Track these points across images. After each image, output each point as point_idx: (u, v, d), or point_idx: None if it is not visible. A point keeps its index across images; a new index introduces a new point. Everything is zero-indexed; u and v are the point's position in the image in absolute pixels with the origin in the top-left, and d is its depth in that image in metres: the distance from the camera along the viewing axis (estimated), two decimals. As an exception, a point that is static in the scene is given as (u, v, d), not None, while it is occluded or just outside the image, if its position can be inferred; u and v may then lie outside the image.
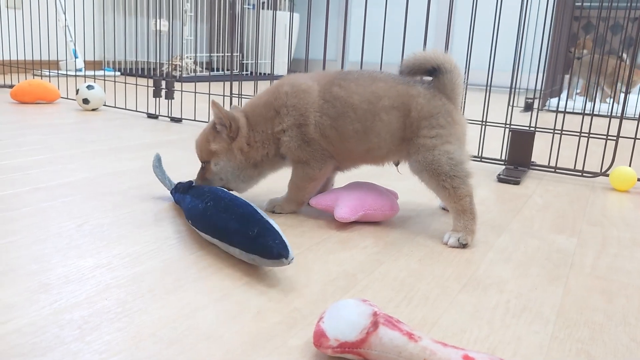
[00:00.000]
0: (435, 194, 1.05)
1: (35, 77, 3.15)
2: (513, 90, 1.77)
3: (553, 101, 3.53)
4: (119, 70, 4.10)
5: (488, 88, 1.71)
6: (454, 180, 1.01)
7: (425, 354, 0.55)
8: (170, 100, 2.32)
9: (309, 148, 1.08)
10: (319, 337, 0.59)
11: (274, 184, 1.32)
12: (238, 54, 2.42)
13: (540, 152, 1.92)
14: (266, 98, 1.10)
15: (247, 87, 3.01)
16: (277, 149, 1.10)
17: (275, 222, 0.89)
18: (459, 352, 0.54)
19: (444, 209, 1.22)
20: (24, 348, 0.60)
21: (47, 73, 3.30)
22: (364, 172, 1.48)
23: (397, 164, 1.14)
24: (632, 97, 3.86)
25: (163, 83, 2.32)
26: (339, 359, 0.61)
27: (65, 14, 3.47)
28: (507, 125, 1.73)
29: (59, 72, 3.36)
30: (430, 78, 1.07)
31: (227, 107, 1.18)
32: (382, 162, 1.12)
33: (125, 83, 2.52)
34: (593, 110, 1.65)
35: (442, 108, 1.03)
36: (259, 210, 0.88)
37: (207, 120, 2.21)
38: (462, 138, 1.05)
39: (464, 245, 0.99)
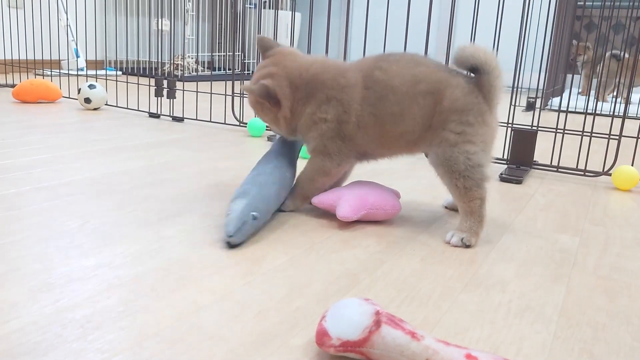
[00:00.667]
0: (448, 190, 1.05)
1: (37, 76, 3.16)
2: (515, 89, 1.77)
3: (555, 100, 3.53)
4: (121, 69, 4.11)
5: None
6: (467, 181, 1.00)
7: (428, 353, 0.55)
8: (172, 100, 2.32)
9: (340, 142, 1.08)
10: (322, 336, 0.59)
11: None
12: (240, 53, 2.42)
13: (542, 151, 1.92)
14: (323, 79, 1.08)
15: (249, 87, 3.01)
16: (303, 128, 1.11)
17: (243, 204, 0.96)
18: (462, 351, 0.54)
19: (447, 207, 1.22)
20: (27, 347, 0.60)
21: (49, 72, 3.31)
22: (366, 171, 1.48)
23: (427, 155, 1.11)
24: (635, 96, 3.85)
25: (165, 82, 2.32)
26: (341, 358, 0.61)
27: (67, 13, 3.47)
28: (510, 125, 1.72)
29: (61, 71, 3.37)
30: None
31: (236, 107, 1.17)
32: (412, 149, 1.09)
33: (127, 82, 2.53)
34: (595, 110, 1.65)
35: (475, 105, 1.01)
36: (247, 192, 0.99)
37: (209, 120, 2.21)
38: (488, 140, 1.02)
39: (467, 246, 0.99)
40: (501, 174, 1.54)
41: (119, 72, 3.94)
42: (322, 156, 1.09)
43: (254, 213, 0.95)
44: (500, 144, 1.97)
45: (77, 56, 3.61)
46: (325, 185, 1.13)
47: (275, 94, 1.09)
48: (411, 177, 1.48)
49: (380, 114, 1.05)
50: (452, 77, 1.03)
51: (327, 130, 1.07)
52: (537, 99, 2.16)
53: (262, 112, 1.14)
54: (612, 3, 1.70)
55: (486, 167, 1.02)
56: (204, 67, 4.61)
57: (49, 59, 3.19)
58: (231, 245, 0.92)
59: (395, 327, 0.57)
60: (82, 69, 3.60)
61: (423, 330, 0.69)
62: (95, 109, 2.39)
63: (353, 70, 1.08)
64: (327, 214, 1.13)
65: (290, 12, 4.80)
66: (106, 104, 2.47)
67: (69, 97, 2.66)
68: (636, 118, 3.10)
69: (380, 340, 0.57)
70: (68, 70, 3.01)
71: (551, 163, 1.66)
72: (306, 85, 1.09)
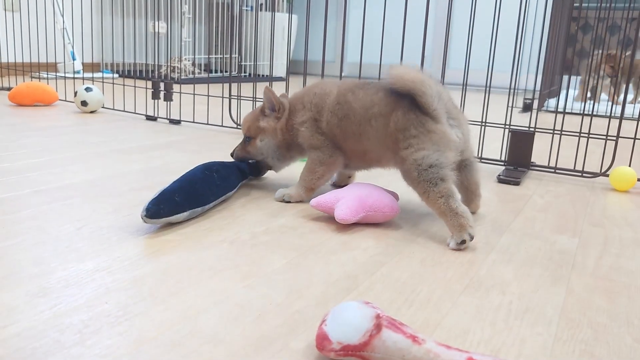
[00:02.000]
0: (421, 200, 1.06)
1: (33, 79, 3.15)
2: (512, 90, 1.77)
3: (551, 102, 3.53)
4: (117, 72, 4.10)
5: (487, 89, 1.71)
6: (423, 185, 1.03)
7: (429, 357, 0.54)
8: (169, 102, 2.31)
9: (321, 137, 1.20)
10: (322, 340, 0.59)
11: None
12: (237, 55, 2.41)
13: (539, 152, 1.92)
14: (302, 94, 1.27)
15: (246, 89, 3.00)
16: (296, 137, 1.24)
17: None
18: (463, 354, 0.54)
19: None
20: (25, 352, 0.59)
21: (45, 75, 3.30)
22: (366, 173, 1.48)
23: None
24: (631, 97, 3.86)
25: (162, 85, 2.31)
26: (342, 361, 0.60)
27: (63, 16, 3.46)
28: (507, 126, 1.72)
29: (57, 74, 3.36)
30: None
31: (233, 110, 1.18)
32: (382, 165, 1.19)
33: (124, 85, 2.52)
34: (593, 111, 1.65)
35: (414, 120, 1.05)
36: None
37: (206, 122, 2.21)
38: (440, 143, 1.04)
39: (462, 243, 0.98)
40: (499, 175, 1.54)
41: (116, 75, 3.93)
42: (314, 150, 1.22)
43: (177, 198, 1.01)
44: (497, 146, 1.97)
45: (74, 59, 3.60)
46: (325, 175, 1.21)
47: (283, 105, 1.26)
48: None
49: (344, 130, 1.17)
50: (399, 100, 1.08)
51: (306, 129, 1.22)
52: (534, 100, 2.16)
53: (262, 121, 1.28)
54: (609, 4, 1.70)
55: (440, 167, 1.03)
56: (200, 70, 4.61)
57: (45, 62, 3.18)
58: (148, 215, 0.96)
59: (396, 330, 0.57)
60: (78, 72, 3.59)
61: (424, 333, 0.68)
62: (92, 112, 2.39)
63: (332, 85, 1.23)
64: (325, 217, 1.12)
65: (287, 15, 4.80)
66: (103, 107, 2.46)
67: (65, 100, 2.65)
68: (632, 119, 3.10)
69: (381, 344, 0.56)
70: (65, 73, 3.00)
71: (549, 164, 1.66)
72: (292, 103, 1.27)
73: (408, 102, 1.06)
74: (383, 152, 1.13)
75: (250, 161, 1.33)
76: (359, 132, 1.15)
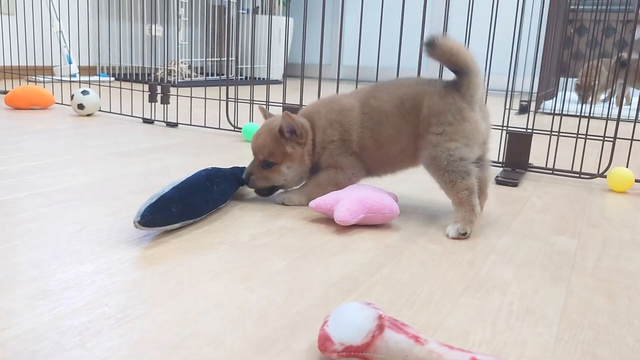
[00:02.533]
0: (440, 187, 1.11)
1: (29, 83, 3.14)
2: (509, 93, 1.78)
3: (547, 104, 3.55)
4: (114, 75, 4.09)
5: (485, 91, 1.71)
6: (451, 175, 1.07)
7: (432, 357, 0.54)
8: (165, 105, 2.31)
9: (351, 157, 1.18)
10: (324, 341, 0.59)
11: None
12: (233, 58, 2.41)
13: (537, 154, 1.92)
14: (320, 110, 1.20)
15: (243, 92, 3.00)
16: (320, 155, 1.19)
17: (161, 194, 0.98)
18: (466, 354, 0.54)
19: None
20: (24, 355, 0.59)
21: (41, 79, 3.29)
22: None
23: None
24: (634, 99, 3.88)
25: (159, 88, 2.31)
26: (344, 363, 0.60)
27: (59, 19, 3.46)
28: (504, 128, 1.73)
29: (53, 78, 3.35)
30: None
31: (231, 112, 1.18)
32: (413, 162, 1.18)
33: (120, 88, 2.51)
34: (590, 113, 1.66)
35: (452, 105, 1.08)
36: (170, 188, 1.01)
37: (203, 125, 2.20)
38: (470, 136, 1.08)
39: (463, 235, 1.04)
40: (497, 176, 1.54)
41: (112, 78, 3.93)
42: (336, 170, 1.18)
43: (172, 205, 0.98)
44: (495, 147, 1.97)
45: (70, 62, 3.59)
46: (330, 192, 1.15)
47: (306, 129, 1.18)
48: (408, 181, 1.48)
49: (378, 137, 1.15)
50: (429, 87, 1.12)
51: (334, 149, 1.17)
52: (531, 102, 2.16)
53: (289, 146, 1.17)
54: (606, 7, 1.71)
55: (468, 161, 1.08)
56: (197, 73, 4.60)
57: (41, 65, 3.17)
58: (142, 223, 0.93)
59: (399, 331, 0.57)
60: (74, 75, 3.58)
61: (425, 334, 0.68)
62: (88, 115, 2.38)
63: (348, 97, 1.20)
64: (324, 218, 1.12)
65: (283, 18, 4.80)
66: (100, 110, 2.46)
67: (61, 104, 2.65)
68: (629, 120, 3.11)
69: (383, 344, 0.56)
70: (61, 76, 2.99)
71: (546, 165, 1.66)
72: (315, 124, 1.19)
73: (441, 87, 1.11)
74: (415, 142, 1.13)
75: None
76: (395, 133, 1.14)
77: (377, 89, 1.18)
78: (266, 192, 1.22)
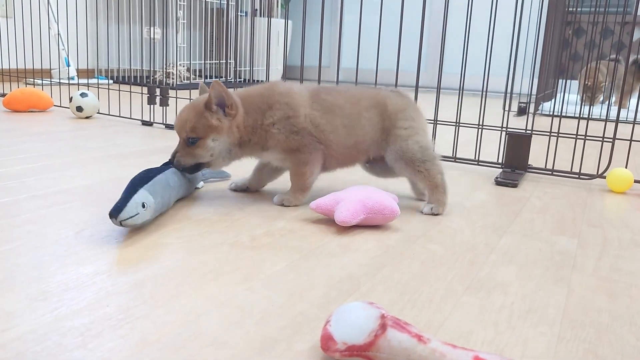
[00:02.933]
0: (411, 178, 1.27)
1: (27, 85, 3.14)
2: (508, 94, 1.78)
3: (546, 105, 3.55)
4: (112, 78, 4.09)
5: (484, 92, 1.71)
6: (426, 164, 1.19)
7: (435, 356, 0.54)
8: (164, 108, 2.31)
9: (297, 137, 1.17)
10: (327, 341, 0.59)
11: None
12: (232, 61, 2.41)
13: (536, 155, 1.93)
14: (261, 91, 1.19)
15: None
16: (263, 140, 1.17)
17: (145, 194, 0.98)
18: (469, 353, 0.54)
19: (420, 199, 1.33)
20: (26, 356, 0.59)
21: (40, 82, 3.29)
22: (364, 176, 1.48)
23: (368, 162, 1.30)
24: (632, 101, 3.89)
25: (157, 90, 2.31)
26: (346, 362, 0.60)
27: (57, 22, 3.46)
28: (504, 129, 1.73)
29: (52, 80, 3.35)
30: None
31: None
32: (365, 156, 1.26)
33: (119, 90, 2.51)
34: (590, 114, 1.66)
35: (409, 103, 1.27)
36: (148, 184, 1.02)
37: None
38: (425, 129, 1.26)
39: (435, 214, 1.19)
40: (496, 177, 1.54)
41: (110, 81, 3.92)
42: (293, 153, 1.18)
43: (144, 201, 0.98)
44: (494, 149, 1.97)
45: (68, 65, 3.59)
46: (314, 172, 1.21)
47: (236, 100, 1.15)
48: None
49: (332, 122, 1.19)
50: (378, 91, 1.27)
51: (278, 131, 1.16)
52: (530, 104, 2.16)
53: (213, 119, 1.13)
54: (604, 9, 1.72)
55: (432, 148, 1.23)
56: (195, 76, 4.60)
57: (40, 68, 3.17)
58: (115, 218, 0.93)
59: (401, 330, 0.57)
60: (72, 78, 3.58)
61: (428, 333, 0.68)
62: (87, 118, 2.38)
63: (296, 86, 1.23)
64: (325, 219, 1.12)
65: (282, 20, 4.81)
66: (98, 113, 2.45)
67: (60, 106, 2.64)
68: (627, 122, 3.12)
69: (386, 344, 0.56)
70: (59, 79, 2.99)
71: (546, 166, 1.66)
72: (246, 101, 1.17)
73: (388, 92, 1.27)
74: (377, 136, 1.23)
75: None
76: (351, 124, 1.20)
77: (325, 89, 1.23)
78: (192, 170, 1.17)
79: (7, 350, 0.59)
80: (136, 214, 0.94)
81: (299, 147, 1.17)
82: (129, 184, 1.01)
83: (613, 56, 3.87)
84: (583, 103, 2.83)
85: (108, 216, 0.95)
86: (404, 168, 1.21)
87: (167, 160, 1.19)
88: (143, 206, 0.96)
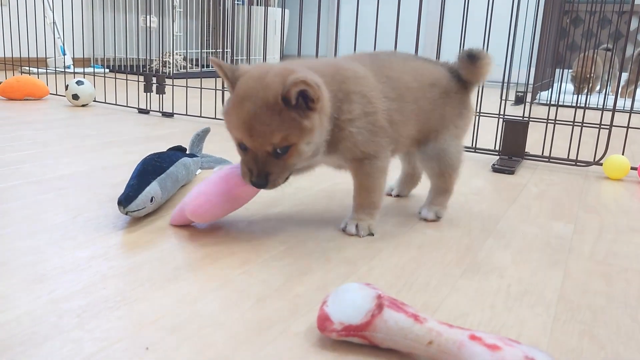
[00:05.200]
0: (428, 175, 1.09)
1: (23, 74, 3.12)
2: (505, 83, 1.78)
3: (543, 94, 3.55)
4: (108, 67, 4.06)
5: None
6: (454, 171, 1.07)
7: (432, 335, 0.54)
8: (161, 95, 2.30)
9: (376, 139, 0.93)
10: (323, 321, 0.59)
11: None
12: (228, 50, 2.40)
13: (533, 142, 1.93)
14: (331, 73, 0.90)
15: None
16: (335, 139, 0.89)
17: (156, 188, 0.98)
18: (466, 332, 0.54)
19: (398, 195, 1.24)
20: (22, 337, 0.59)
21: (35, 70, 3.27)
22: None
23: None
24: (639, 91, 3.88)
25: (154, 78, 2.30)
26: (343, 342, 0.60)
27: (52, 10, 3.43)
28: (501, 116, 1.73)
29: (48, 69, 3.33)
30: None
31: (219, 101, 1.16)
32: (415, 145, 1.06)
33: (115, 78, 2.50)
34: (587, 103, 1.66)
35: (466, 97, 1.08)
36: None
37: (199, 115, 2.19)
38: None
39: (438, 219, 1.07)
40: (493, 164, 1.54)
41: (106, 70, 3.90)
42: (368, 160, 0.94)
43: (154, 196, 0.98)
44: (491, 137, 1.97)
45: (63, 54, 3.57)
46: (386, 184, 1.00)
47: (317, 89, 0.81)
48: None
49: (403, 112, 0.97)
50: (436, 65, 1.07)
51: (357, 131, 0.90)
52: (527, 93, 2.16)
53: (305, 119, 0.81)
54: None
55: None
56: (192, 65, 4.58)
57: (36, 56, 3.15)
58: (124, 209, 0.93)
59: (398, 310, 0.57)
60: (68, 67, 3.56)
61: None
62: (83, 106, 2.37)
63: (357, 64, 0.96)
64: (322, 205, 1.12)
65: (279, 9, 4.78)
66: (94, 100, 2.44)
67: (56, 94, 2.63)
68: (624, 111, 3.12)
69: (383, 324, 0.56)
70: (55, 68, 2.97)
71: (542, 153, 1.66)
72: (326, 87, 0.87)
73: (444, 68, 1.08)
74: (435, 125, 1.03)
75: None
76: (418, 109, 0.99)
77: (386, 59, 1.00)
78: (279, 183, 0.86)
79: (3, 331, 0.59)
80: (143, 208, 0.94)
81: (376, 151, 0.93)
82: (142, 170, 1.00)
83: (605, 45, 3.87)
84: (576, 92, 2.82)
85: (117, 202, 0.93)
86: (432, 168, 1.05)
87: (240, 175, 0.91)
88: (151, 200, 0.96)
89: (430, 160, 1.05)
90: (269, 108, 0.80)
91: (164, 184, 1.02)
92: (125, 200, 0.92)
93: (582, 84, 3.41)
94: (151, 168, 1.02)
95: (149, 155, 1.08)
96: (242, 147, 0.85)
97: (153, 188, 0.97)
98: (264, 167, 0.83)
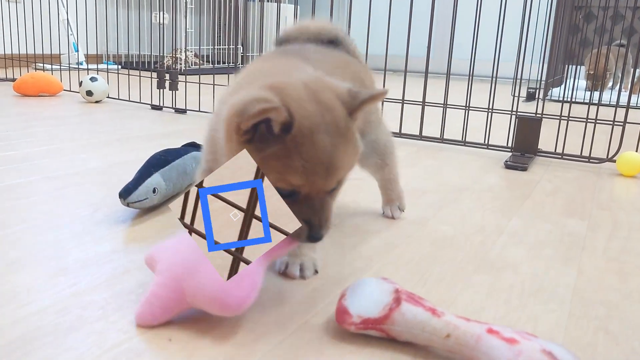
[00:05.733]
0: (374, 173, 1.03)
1: (37, 70, 3.15)
2: (517, 80, 1.78)
3: (555, 91, 3.53)
4: (120, 64, 4.09)
5: (494, 77, 1.71)
6: (390, 156, 1.01)
7: (449, 329, 0.55)
8: (174, 92, 2.32)
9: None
10: (342, 314, 0.60)
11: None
12: (240, 46, 2.41)
13: (545, 139, 1.92)
14: (351, 75, 0.87)
15: (250, 79, 3.00)
16: None
17: (158, 179, 1.00)
18: (483, 325, 0.55)
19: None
20: (48, 329, 0.60)
21: (49, 67, 3.30)
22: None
23: None
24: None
25: (167, 75, 2.31)
26: (361, 335, 0.61)
27: (66, 7, 3.46)
28: (514, 112, 1.73)
29: (61, 65, 3.36)
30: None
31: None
32: None
33: (129, 75, 2.52)
34: (600, 100, 1.65)
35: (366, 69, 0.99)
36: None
37: (212, 111, 2.20)
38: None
39: (402, 212, 1.06)
40: (506, 161, 1.54)
41: (118, 67, 3.93)
42: (384, 141, 1.00)
43: (156, 187, 0.99)
44: (503, 133, 1.97)
45: (76, 50, 3.60)
46: None
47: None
48: (417, 165, 1.48)
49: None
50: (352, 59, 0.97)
51: (376, 112, 0.97)
52: (539, 89, 2.16)
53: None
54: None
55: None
56: (203, 61, 4.60)
57: (50, 53, 3.18)
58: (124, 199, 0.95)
59: (415, 304, 0.58)
60: (81, 64, 3.59)
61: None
62: (97, 102, 2.39)
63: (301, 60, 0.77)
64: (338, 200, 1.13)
65: (291, 5, 4.78)
66: (108, 97, 2.46)
67: (69, 91, 2.66)
68: (637, 108, 3.10)
69: (400, 317, 0.57)
70: (69, 64, 3.00)
71: (555, 150, 1.66)
72: None
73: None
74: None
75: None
76: None
77: (313, 52, 0.87)
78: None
79: (28, 324, 0.61)
80: (145, 199, 0.96)
81: (388, 133, 1.03)
82: (145, 164, 1.02)
83: (618, 42, 3.84)
84: (590, 89, 2.79)
85: (118, 195, 0.96)
86: (372, 165, 1.01)
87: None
88: (154, 191, 0.98)
89: (368, 157, 0.98)
90: (342, 135, 0.61)
91: (168, 175, 1.03)
92: (125, 192, 0.94)
93: (597, 81, 3.39)
94: (154, 161, 1.04)
95: (158, 151, 1.10)
96: (288, 195, 0.60)
97: (155, 179, 0.99)
98: (325, 212, 0.62)
